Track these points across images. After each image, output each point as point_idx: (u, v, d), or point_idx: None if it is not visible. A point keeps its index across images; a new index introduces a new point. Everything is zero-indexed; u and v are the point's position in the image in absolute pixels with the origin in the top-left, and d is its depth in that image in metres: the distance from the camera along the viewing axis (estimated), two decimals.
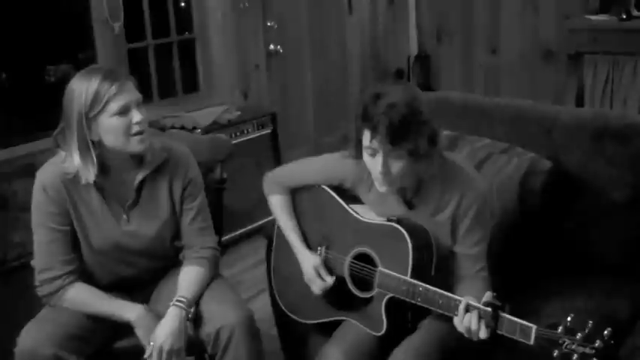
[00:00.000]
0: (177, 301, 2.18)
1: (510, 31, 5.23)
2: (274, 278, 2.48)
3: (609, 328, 1.64)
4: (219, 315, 2.16)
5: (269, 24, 4.75)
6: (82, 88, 2.06)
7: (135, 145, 2.11)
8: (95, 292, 2.19)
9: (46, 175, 2.16)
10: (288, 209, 2.35)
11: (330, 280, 2.21)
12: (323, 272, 2.22)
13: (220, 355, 2.14)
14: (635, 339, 2.06)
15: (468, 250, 2.07)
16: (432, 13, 5.59)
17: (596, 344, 1.63)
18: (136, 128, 2.09)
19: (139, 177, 2.21)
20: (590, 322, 1.66)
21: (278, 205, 2.35)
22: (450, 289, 2.00)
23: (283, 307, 2.43)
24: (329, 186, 2.27)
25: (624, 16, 4.44)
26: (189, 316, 2.19)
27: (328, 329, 2.23)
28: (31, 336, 2.08)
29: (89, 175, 2.11)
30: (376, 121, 1.89)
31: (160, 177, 2.25)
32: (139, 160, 2.20)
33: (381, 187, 2.01)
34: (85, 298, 2.17)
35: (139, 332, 2.13)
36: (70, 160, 2.11)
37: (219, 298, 2.24)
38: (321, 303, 2.26)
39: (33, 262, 2.21)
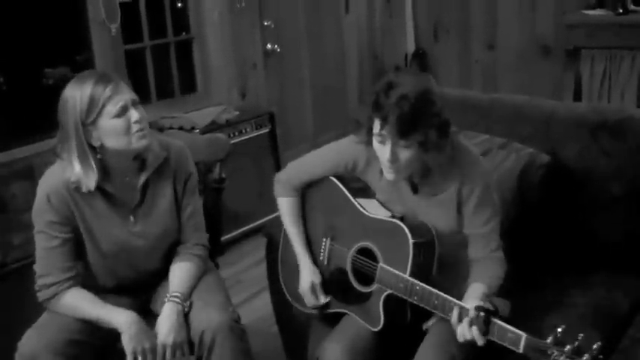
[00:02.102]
0: (172, 296, 2.20)
1: (507, 27, 5.22)
2: (281, 268, 2.47)
3: (599, 342, 1.63)
4: (203, 318, 2.16)
5: (266, 23, 4.75)
6: (75, 95, 2.05)
7: (137, 142, 2.10)
8: (88, 297, 2.18)
9: (49, 183, 2.14)
10: (295, 214, 2.34)
11: (323, 300, 2.25)
12: (319, 291, 2.26)
13: (206, 357, 2.14)
14: (634, 332, 2.06)
15: (479, 229, 2.07)
16: (429, 10, 5.59)
17: (584, 357, 1.61)
18: (135, 127, 2.09)
19: (143, 178, 2.21)
20: (581, 335, 1.64)
21: (286, 209, 2.34)
22: (460, 286, 2.00)
23: (288, 296, 2.43)
24: (338, 177, 2.27)
25: (621, 11, 4.45)
26: (185, 309, 2.20)
27: (331, 320, 2.24)
28: (31, 343, 2.08)
29: (90, 182, 2.10)
30: (387, 112, 1.90)
31: (162, 175, 2.25)
32: (141, 162, 2.20)
33: (388, 174, 2.02)
34: (77, 304, 2.16)
35: (125, 338, 2.11)
36: (70, 169, 2.10)
37: (205, 299, 2.24)
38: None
39: (35, 267, 2.21)
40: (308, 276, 2.27)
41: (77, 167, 2.09)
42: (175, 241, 2.34)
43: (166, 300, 2.20)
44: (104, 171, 2.14)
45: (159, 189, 2.26)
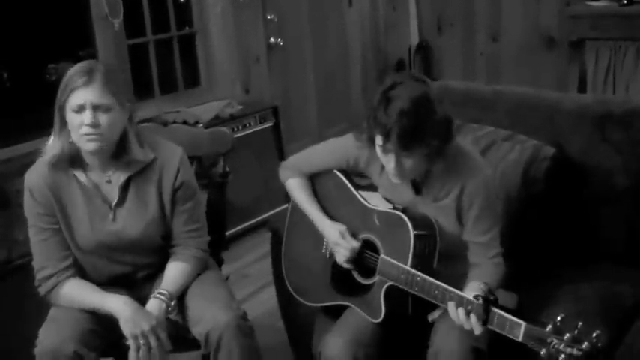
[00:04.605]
0: (159, 293, 2.18)
1: (511, 19, 5.20)
2: (284, 261, 2.48)
3: (598, 331, 1.63)
4: (209, 316, 2.14)
5: (269, 17, 4.74)
6: (67, 74, 2.09)
7: (84, 144, 2.09)
8: (85, 286, 2.18)
9: (31, 177, 2.17)
10: (306, 188, 2.34)
11: (356, 243, 2.17)
12: (348, 237, 2.18)
13: (213, 355, 2.13)
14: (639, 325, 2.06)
15: (479, 237, 2.08)
16: (432, 2, 5.56)
17: (584, 345, 1.62)
18: (84, 130, 2.06)
19: (123, 177, 2.19)
20: (580, 323, 1.65)
21: (296, 186, 2.34)
22: (460, 280, 2.00)
23: (290, 289, 2.43)
24: (341, 171, 2.28)
25: (625, 2, 4.43)
26: (170, 309, 2.18)
27: (334, 313, 2.24)
28: (51, 335, 2.07)
29: (54, 151, 2.13)
30: (388, 129, 1.90)
31: (147, 177, 2.22)
32: (126, 161, 2.19)
33: (393, 178, 2.03)
34: (75, 293, 2.16)
35: (121, 323, 2.09)
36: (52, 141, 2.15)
37: (210, 296, 2.22)
38: (326, 287, 2.28)
39: (33, 263, 2.21)
40: (333, 228, 2.21)
41: (54, 138, 2.14)
42: (162, 246, 2.30)
43: (152, 296, 2.18)
44: (82, 162, 2.16)
45: (143, 191, 2.23)
